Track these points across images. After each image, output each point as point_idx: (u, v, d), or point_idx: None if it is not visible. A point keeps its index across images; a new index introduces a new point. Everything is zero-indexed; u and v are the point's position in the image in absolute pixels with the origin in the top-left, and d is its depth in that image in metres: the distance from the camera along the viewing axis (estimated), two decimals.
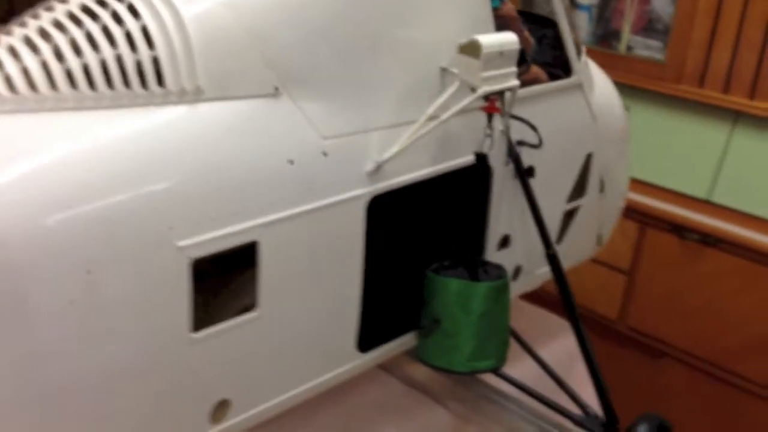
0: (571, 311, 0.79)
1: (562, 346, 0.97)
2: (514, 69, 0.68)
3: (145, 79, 0.56)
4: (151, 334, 0.56)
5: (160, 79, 0.57)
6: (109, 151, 0.53)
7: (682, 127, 1.59)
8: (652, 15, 1.69)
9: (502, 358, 0.80)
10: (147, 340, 0.56)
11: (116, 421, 0.57)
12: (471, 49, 0.65)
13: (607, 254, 1.13)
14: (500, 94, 0.69)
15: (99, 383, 0.55)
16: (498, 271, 0.78)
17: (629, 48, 1.67)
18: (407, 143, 0.67)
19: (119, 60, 0.56)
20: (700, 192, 1.56)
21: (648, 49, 1.67)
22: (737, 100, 1.51)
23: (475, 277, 0.77)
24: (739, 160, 1.53)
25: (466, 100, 0.67)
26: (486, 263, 0.80)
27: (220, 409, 0.64)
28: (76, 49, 0.55)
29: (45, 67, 0.54)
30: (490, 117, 0.74)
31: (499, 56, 0.66)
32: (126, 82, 0.56)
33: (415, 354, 0.85)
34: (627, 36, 1.66)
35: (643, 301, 1.63)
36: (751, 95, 1.49)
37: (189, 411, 0.62)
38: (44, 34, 0.56)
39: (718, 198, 1.54)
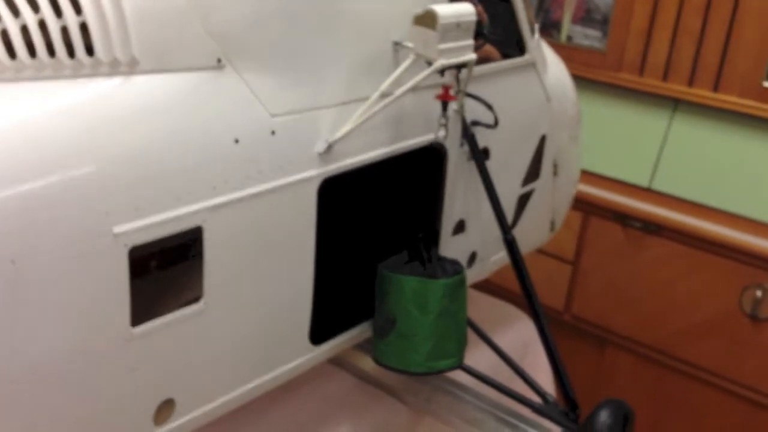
0: (529, 297, 0.76)
1: (516, 336, 0.94)
2: (471, 42, 0.65)
3: (72, 47, 0.51)
4: (85, 330, 0.51)
5: (89, 48, 0.51)
6: (31, 129, 0.48)
7: (623, 115, 1.59)
8: (590, 5, 1.69)
9: (460, 357, 0.77)
10: (81, 337, 0.51)
11: (49, 427, 0.51)
12: (427, 19, 0.61)
13: (551, 245, 1.11)
14: (457, 68, 0.65)
15: (27, 387, 0.49)
16: (454, 266, 0.75)
17: (569, 38, 1.66)
18: (360, 122, 0.63)
19: (42, 26, 0.50)
20: (641, 180, 1.57)
21: (587, 38, 1.67)
22: (676, 88, 1.52)
23: (431, 274, 0.74)
24: (678, 148, 1.54)
25: (423, 74, 0.63)
26: (441, 258, 0.76)
27: (164, 409, 0.58)
28: None
29: None
30: (445, 105, 0.71)
31: (456, 28, 0.63)
32: (51, 50, 0.50)
33: (367, 346, 0.81)
34: (567, 26, 1.66)
35: (588, 290, 1.62)
36: (690, 83, 1.51)
37: (130, 413, 0.56)
38: None
39: (659, 186, 1.55)
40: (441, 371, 0.76)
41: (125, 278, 0.52)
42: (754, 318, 1.44)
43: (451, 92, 0.69)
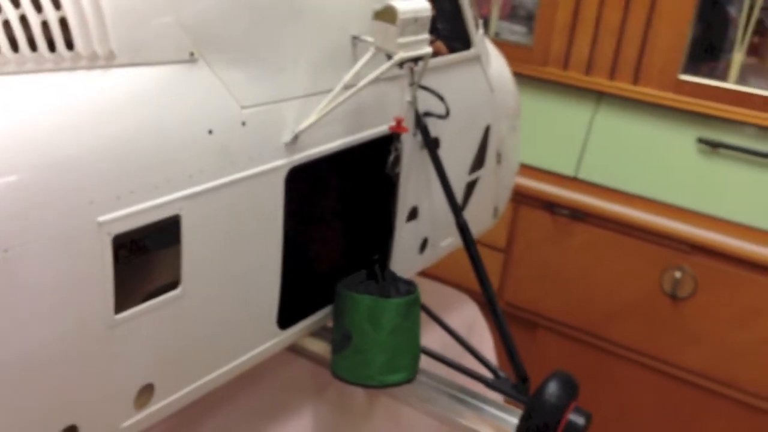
0: (481, 276, 0.81)
1: (462, 318, 0.99)
2: (427, 36, 0.69)
3: (52, 42, 0.52)
4: (71, 317, 0.52)
5: (68, 43, 0.53)
6: (17, 121, 0.49)
7: (550, 108, 1.67)
8: (516, 2, 1.76)
9: (413, 370, 0.81)
10: (67, 324, 0.52)
11: (35, 411, 0.52)
12: (387, 15, 0.65)
13: (483, 234, 1.16)
14: (414, 62, 0.69)
15: (15, 372, 0.50)
16: (408, 287, 0.80)
17: (497, 34, 1.73)
18: (324, 113, 0.66)
19: (23, 21, 0.51)
20: (568, 170, 1.64)
21: (514, 34, 1.74)
22: (599, 81, 1.60)
23: (384, 293, 0.78)
24: (602, 138, 1.62)
25: (384, 66, 0.67)
26: (397, 278, 0.81)
27: (144, 394, 0.60)
28: None
29: None
30: (397, 136, 0.75)
31: (414, 22, 0.66)
32: (32, 45, 0.51)
33: (323, 333, 0.85)
34: (495, 22, 1.72)
35: (519, 276, 1.70)
36: (611, 76, 1.59)
37: (112, 398, 0.58)
38: None
39: (585, 175, 1.63)
40: (393, 385, 0.80)
41: (109, 266, 0.54)
42: (673, 297, 1.54)
43: (408, 90, 0.73)
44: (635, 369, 1.61)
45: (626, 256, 1.58)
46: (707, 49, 1.62)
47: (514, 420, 0.82)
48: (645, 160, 1.58)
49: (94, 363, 0.55)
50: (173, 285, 0.59)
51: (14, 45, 0.51)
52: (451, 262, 1.16)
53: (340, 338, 0.80)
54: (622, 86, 1.58)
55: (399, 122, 0.74)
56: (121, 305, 0.55)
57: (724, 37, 1.66)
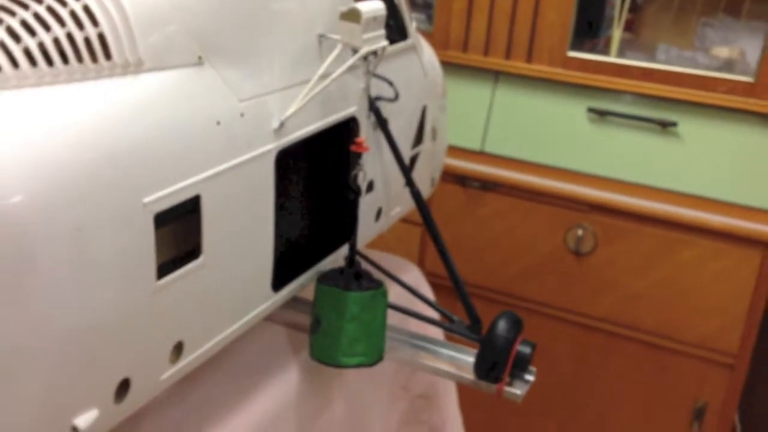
0: (433, 232, 0.97)
1: (407, 280, 1.15)
2: (383, 32, 0.84)
3: (94, 54, 0.64)
4: (126, 283, 0.64)
5: (107, 54, 0.65)
6: (81, 119, 0.61)
7: (453, 88, 1.84)
8: None
9: (372, 357, 0.96)
10: (123, 289, 0.64)
11: (100, 367, 0.65)
12: (352, 15, 0.80)
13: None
14: (374, 54, 0.84)
15: (86, 333, 0.62)
16: (372, 283, 0.94)
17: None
18: (305, 101, 0.80)
19: (70, 37, 0.63)
20: (474, 144, 1.84)
21: (414, 21, 1.91)
22: (496, 61, 1.80)
23: (346, 287, 0.93)
24: (503, 114, 1.82)
25: (353, 59, 0.82)
26: (369, 277, 0.95)
27: (176, 350, 0.73)
28: (29, 30, 0.61)
29: (4, 47, 0.60)
30: (358, 156, 0.90)
31: (373, 21, 0.82)
32: (78, 57, 0.63)
33: (294, 303, 0.99)
34: None
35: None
36: (507, 56, 1.79)
37: (154, 355, 0.70)
38: None
39: (490, 148, 1.83)
40: (354, 366, 0.95)
41: (152, 240, 0.66)
42: (577, 253, 1.77)
43: (362, 78, 0.88)
44: (549, 322, 1.83)
45: (533, 219, 1.79)
46: (589, 27, 1.85)
47: (470, 358, 0.99)
48: (543, 131, 1.79)
49: (142, 324, 0.68)
50: (196, 254, 0.72)
51: (64, 58, 0.62)
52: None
53: (313, 322, 0.95)
54: (517, 65, 1.79)
55: (360, 143, 0.89)
56: (161, 273, 0.68)
57: (602, 15, 1.90)
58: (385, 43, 0.85)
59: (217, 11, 0.73)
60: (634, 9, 1.89)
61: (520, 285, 1.84)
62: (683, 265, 1.69)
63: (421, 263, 1.88)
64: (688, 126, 1.69)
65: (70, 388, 0.63)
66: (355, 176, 0.92)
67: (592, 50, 1.81)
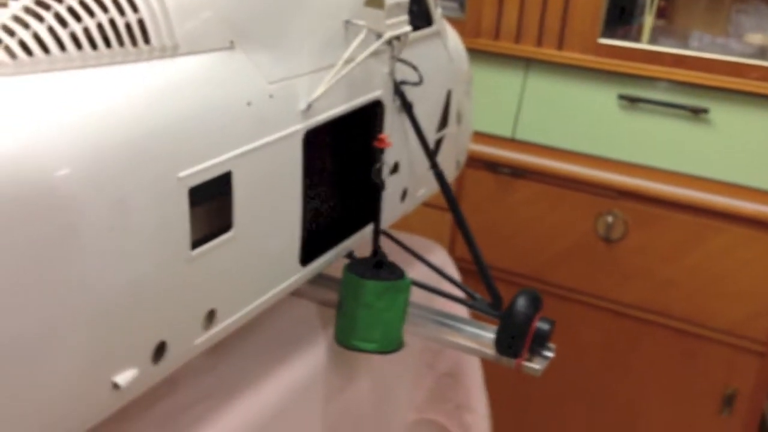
0: (456, 213, 1.02)
1: (433, 261, 1.19)
2: (407, 17, 0.89)
3: (134, 38, 0.70)
4: (163, 251, 0.70)
5: (146, 38, 0.70)
6: (122, 99, 0.66)
7: (484, 76, 1.89)
8: None
9: (385, 345, 1.00)
10: (160, 257, 0.70)
11: (139, 329, 0.71)
12: (376, 2, 0.85)
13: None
14: (398, 39, 0.89)
15: (127, 296, 0.68)
16: (390, 275, 0.98)
17: None
18: (330, 84, 0.85)
19: (112, 23, 0.68)
20: (505, 131, 1.87)
21: (446, 9, 1.95)
22: (527, 49, 1.84)
23: (362, 275, 0.97)
24: (534, 101, 1.86)
25: (377, 43, 0.87)
26: (392, 268, 1.00)
27: (209, 317, 0.79)
28: (75, 15, 0.67)
29: (52, 31, 0.66)
30: (381, 151, 0.94)
31: (396, 7, 0.86)
32: (120, 41, 0.69)
33: (325, 281, 1.05)
34: None
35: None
36: (539, 43, 1.82)
37: (189, 320, 0.76)
38: (41, 3, 0.67)
39: (521, 135, 1.86)
40: (366, 351, 1.00)
41: (187, 212, 0.72)
42: (607, 240, 1.80)
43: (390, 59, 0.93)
44: (579, 307, 1.86)
45: (563, 206, 1.82)
46: (621, 14, 1.87)
47: (491, 335, 1.04)
48: (573, 118, 1.82)
49: (178, 290, 0.73)
50: (227, 228, 0.78)
51: (107, 43, 0.68)
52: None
53: (338, 304, 1.01)
54: (549, 52, 1.82)
55: (383, 139, 0.94)
56: (195, 243, 0.74)
57: (635, 2, 1.92)
58: (408, 28, 0.89)
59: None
60: None
61: (551, 271, 1.88)
62: (714, 252, 1.71)
63: (451, 249, 1.92)
64: (720, 113, 1.71)
65: (111, 348, 0.69)
66: (379, 170, 0.97)
67: (624, 37, 1.83)
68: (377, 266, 0.99)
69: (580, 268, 1.84)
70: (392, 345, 1.01)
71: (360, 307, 0.98)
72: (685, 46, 1.82)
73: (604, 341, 1.86)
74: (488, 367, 1.42)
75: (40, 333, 0.63)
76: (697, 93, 1.72)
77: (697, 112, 1.71)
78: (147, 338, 0.72)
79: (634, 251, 1.78)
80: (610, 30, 1.80)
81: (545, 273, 1.88)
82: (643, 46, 1.77)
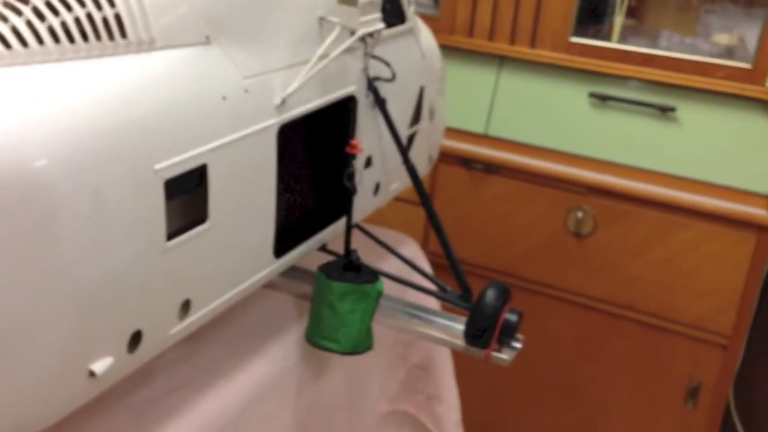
0: (428, 207, 1.04)
1: (405, 254, 1.22)
2: (380, 15, 0.91)
3: (111, 32, 0.71)
4: (138, 242, 0.72)
5: (123, 33, 0.72)
6: (101, 90, 0.68)
7: (458, 72, 1.91)
8: None
9: (346, 347, 1.02)
10: (135, 248, 0.72)
11: (115, 318, 0.72)
12: (349, 0, 0.87)
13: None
14: (371, 35, 0.91)
15: (102, 287, 0.70)
16: (357, 278, 1.00)
17: None
18: (305, 79, 0.87)
19: (90, 17, 0.70)
20: (478, 128, 1.90)
21: (421, 6, 1.98)
22: (501, 46, 1.86)
23: (328, 274, 1.00)
24: (507, 98, 1.89)
25: (351, 40, 0.89)
26: (366, 271, 1.02)
27: (184, 307, 0.80)
28: (53, 10, 0.68)
29: (30, 25, 0.67)
30: (353, 156, 0.96)
31: (370, 5, 0.88)
32: (97, 36, 0.70)
33: (299, 274, 1.07)
34: None
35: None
36: (512, 41, 1.85)
37: (164, 310, 0.78)
38: None
39: (494, 131, 1.89)
40: (327, 350, 1.02)
41: (162, 204, 0.73)
42: (577, 235, 1.83)
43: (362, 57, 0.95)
44: (550, 302, 1.90)
45: (535, 202, 1.86)
46: (592, 13, 1.90)
47: (460, 326, 1.06)
48: (545, 115, 1.86)
49: (153, 281, 0.75)
50: (202, 220, 0.80)
51: (84, 36, 0.70)
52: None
53: (311, 301, 1.03)
54: (521, 50, 1.85)
55: (355, 145, 0.96)
56: (170, 235, 0.75)
57: (606, 1, 1.96)
58: (381, 25, 0.91)
59: None
60: None
61: (523, 266, 1.91)
62: (679, 246, 1.75)
63: (425, 243, 1.95)
64: (687, 111, 1.75)
65: (87, 336, 0.70)
66: (351, 174, 0.99)
67: (595, 36, 1.86)
68: (347, 268, 1.01)
69: (550, 263, 1.87)
70: (355, 347, 1.03)
71: (324, 306, 1.01)
72: (655, 46, 1.85)
73: (574, 334, 1.90)
74: (460, 359, 1.45)
75: (19, 320, 0.64)
76: (665, 92, 1.76)
77: (665, 111, 1.75)
78: (123, 327, 0.74)
79: (603, 246, 1.82)
80: (581, 29, 1.83)
81: (517, 267, 1.91)
82: (614, 45, 1.81)
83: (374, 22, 0.90)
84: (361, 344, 1.03)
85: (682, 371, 1.81)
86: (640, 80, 1.77)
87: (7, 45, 0.66)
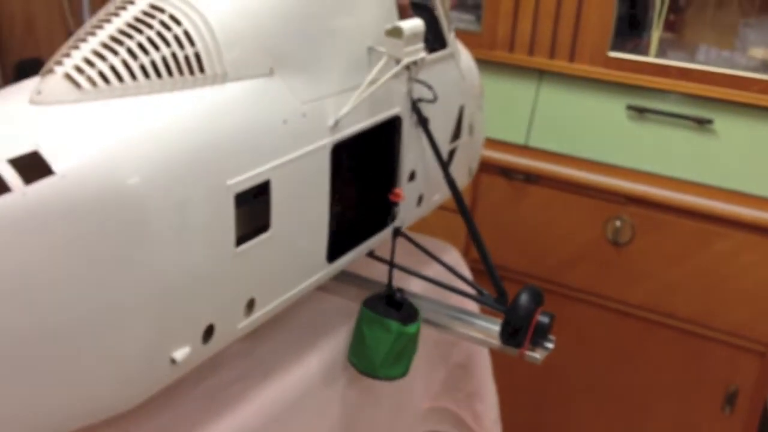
0: (465, 216, 1.17)
1: (446, 260, 1.34)
2: (422, 45, 1.04)
3: (192, 68, 0.85)
4: (213, 247, 0.85)
5: (201, 68, 0.86)
6: (183, 118, 0.82)
7: (498, 87, 2.03)
8: None
9: (364, 369, 1.16)
10: (211, 252, 0.85)
11: (194, 313, 0.86)
12: (395, 32, 1.00)
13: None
14: (414, 63, 1.04)
15: (183, 285, 0.83)
16: (385, 312, 1.13)
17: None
18: (356, 103, 1.00)
19: (174, 56, 0.84)
20: (519, 139, 2.01)
21: (463, 22, 2.10)
22: (540, 61, 1.98)
23: (370, 305, 1.14)
24: (546, 111, 2.00)
25: (397, 68, 1.02)
26: (405, 309, 1.15)
27: (249, 305, 0.94)
28: (144, 50, 0.83)
29: (125, 64, 0.81)
30: (395, 204, 1.09)
31: (413, 36, 1.01)
32: (180, 71, 0.84)
33: (349, 278, 1.20)
34: None
35: (484, 236, 2.04)
36: (551, 56, 1.96)
37: (233, 307, 0.91)
38: (116, 40, 0.82)
39: (534, 143, 2.00)
40: (350, 361, 1.17)
41: (233, 215, 0.87)
42: (615, 244, 1.93)
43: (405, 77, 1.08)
44: (588, 308, 2.00)
45: (574, 211, 1.96)
46: (630, 28, 2.00)
47: (497, 327, 1.18)
48: (584, 127, 1.96)
49: (224, 280, 0.88)
50: (266, 228, 0.93)
51: (170, 72, 0.84)
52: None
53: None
54: (560, 64, 1.96)
55: (398, 194, 1.10)
56: (239, 241, 0.89)
57: (646, 16, 2.06)
58: (423, 54, 1.04)
59: (285, 30, 0.94)
60: (676, 10, 2.04)
61: (561, 273, 2.01)
62: (717, 256, 1.84)
63: (466, 251, 2.06)
64: (724, 123, 1.84)
65: (170, 328, 0.84)
66: (393, 217, 1.14)
67: (633, 50, 1.96)
68: (389, 301, 1.14)
69: (589, 270, 1.97)
70: (373, 371, 1.15)
71: (356, 326, 1.15)
72: (693, 59, 1.95)
73: (611, 341, 2.00)
74: (502, 364, 1.56)
75: (114, 313, 0.78)
76: (702, 104, 1.85)
77: (702, 123, 1.85)
78: (198, 321, 0.87)
79: (640, 255, 1.91)
80: (619, 43, 1.94)
81: (556, 275, 2.01)
82: (651, 59, 1.91)
83: (417, 51, 1.03)
84: (382, 371, 1.15)
85: (719, 378, 1.90)
86: (677, 93, 1.86)
87: (106, 80, 0.80)
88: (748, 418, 1.90)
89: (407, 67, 1.03)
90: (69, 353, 0.75)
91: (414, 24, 1.01)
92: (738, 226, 1.81)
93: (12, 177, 0.69)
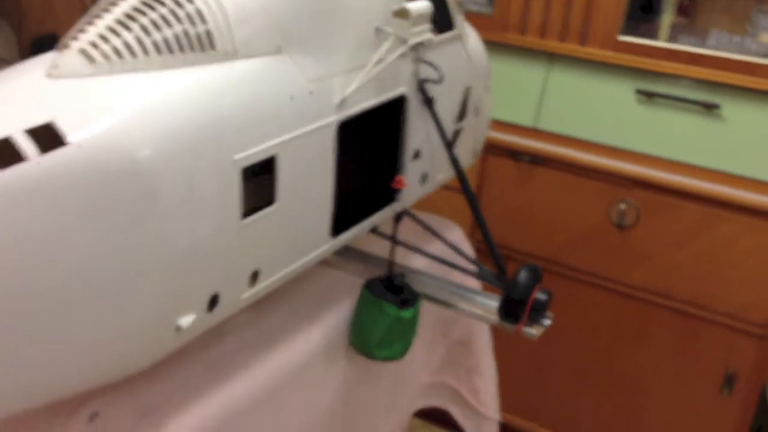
0: (468, 194, 1.19)
1: (449, 238, 1.37)
2: (429, 26, 1.06)
3: (203, 45, 0.88)
4: (218, 219, 0.89)
5: (212, 45, 0.89)
6: (194, 93, 0.85)
7: (509, 68, 2.05)
8: None
9: (354, 342, 1.21)
10: (216, 223, 0.88)
11: (199, 281, 0.89)
12: (402, 13, 1.02)
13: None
14: (421, 44, 1.06)
15: (190, 254, 0.87)
16: (382, 295, 1.17)
17: (459, 4, 2.10)
18: (362, 82, 1.03)
19: (186, 33, 0.87)
20: (527, 121, 2.03)
21: (476, 4, 2.11)
22: (551, 44, 1.99)
23: (370, 285, 1.18)
24: (556, 93, 2.01)
25: (403, 48, 1.05)
26: (405, 293, 1.19)
27: (253, 276, 0.97)
28: (157, 26, 0.86)
29: (139, 40, 0.84)
30: (397, 191, 1.11)
31: (420, 17, 1.04)
32: (192, 48, 0.87)
33: (352, 254, 1.24)
34: None
35: (490, 217, 2.07)
36: (562, 39, 1.98)
37: (237, 278, 0.95)
38: (130, 17, 0.85)
39: (542, 125, 2.02)
40: (352, 345, 1.22)
41: (239, 188, 0.90)
42: (620, 226, 1.95)
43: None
44: (591, 289, 2.03)
45: (579, 193, 1.98)
46: (643, 12, 2.01)
47: (495, 303, 1.21)
48: (592, 110, 1.98)
49: (229, 252, 0.92)
50: (271, 202, 0.96)
51: (182, 49, 0.87)
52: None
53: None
54: (571, 47, 1.97)
55: (400, 180, 1.13)
56: (245, 214, 0.92)
57: (657, 0, 2.06)
58: (429, 35, 1.07)
59: (294, 9, 0.97)
60: None
61: (566, 254, 2.04)
62: (720, 239, 1.86)
63: (472, 232, 2.09)
64: (731, 108, 1.85)
65: (176, 295, 0.88)
66: (398, 215, 1.19)
67: (645, 34, 1.97)
68: (388, 284, 1.18)
69: (593, 252, 2.00)
70: (370, 353, 1.20)
71: (356, 306, 1.20)
72: (704, 44, 1.96)
73: (613, 322, 2.03)
74: (504, 343, 1.60)
75: (124, 280, 0.82)
76: (710, 89, 1.86)
77: (710, 108, 1.86)
78: (204, 289, 0.91)
79: (644, 237, 1.94)
80: (631, 27, 1.95)
81: (561, 255, 2.04)
82: (660, 43, 1.92)
83: (424, 32, 1.06)
84: (377, 352, 1.19)
85: (718, 360, 1.93)
86: (686, 78, 1.87)
87: (120, 55, 0.83)
88: (746, 401, 1.92)
89: (413, 48, 1.06)
90: (78, 317, 0.79)
91: (421, 5, 1.04)
92: (742, 210, 1.82)
93: (28, 147, 0.72)
